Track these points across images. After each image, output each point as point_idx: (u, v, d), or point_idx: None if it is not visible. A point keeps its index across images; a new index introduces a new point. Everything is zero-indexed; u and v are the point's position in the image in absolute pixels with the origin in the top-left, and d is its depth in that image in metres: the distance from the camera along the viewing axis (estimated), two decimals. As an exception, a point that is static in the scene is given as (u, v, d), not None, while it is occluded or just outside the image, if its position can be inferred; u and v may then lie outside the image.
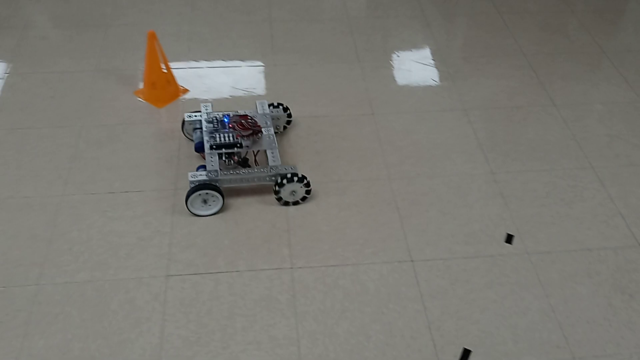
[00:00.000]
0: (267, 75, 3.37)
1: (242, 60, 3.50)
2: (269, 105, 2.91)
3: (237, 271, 2.39)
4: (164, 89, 3.16)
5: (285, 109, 2.95)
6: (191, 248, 2.47)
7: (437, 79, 3.41)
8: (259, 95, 3.23)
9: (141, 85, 3.27)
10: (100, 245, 2.47)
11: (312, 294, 2.32)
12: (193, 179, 2.53)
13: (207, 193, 2.53)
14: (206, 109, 2.83)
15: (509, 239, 2.55)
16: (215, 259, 2.43)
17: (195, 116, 2.83)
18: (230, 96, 3.23)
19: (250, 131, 2.66)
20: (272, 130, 2.75)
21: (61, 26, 3.72)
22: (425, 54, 3.61)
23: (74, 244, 2.47)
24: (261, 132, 2.70)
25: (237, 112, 2.81)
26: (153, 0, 3.98)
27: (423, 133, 3.04)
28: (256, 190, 2.70)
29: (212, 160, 2.61)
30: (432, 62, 3.54)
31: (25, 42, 3.57)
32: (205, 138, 2.67)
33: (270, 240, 2.51)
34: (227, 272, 2.39)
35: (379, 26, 3.82)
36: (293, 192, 2.58)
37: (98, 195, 2.66)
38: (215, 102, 3.18)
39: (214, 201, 2.57)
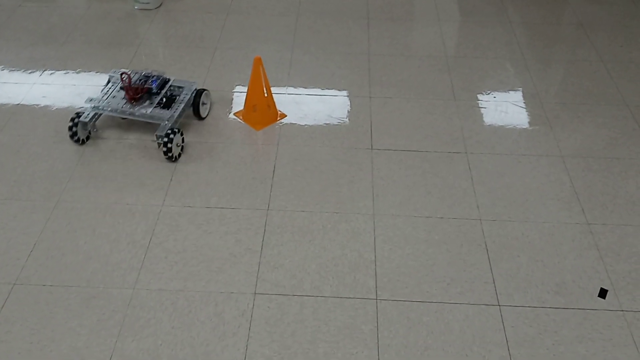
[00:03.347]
0: (362, 107, 3.43)
1: (338, 90, 3.58)
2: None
3: (322, 297, 2.42)
4: (264, 113, 3.27)
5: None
6: (279, 269, 2.53)
7: (534, 123, 3.36)
8: (344, 125, 3.29)
9: (242, 107, 3.40)
10: (194, 256, 2.57)
11: (395, 328, 2.31)
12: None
13: None
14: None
15: (603, 293, 2.46)
16: (301, 282, 2.48)
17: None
18: (325, 124, 3.30)
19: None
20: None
21: (172, 46, 3.93)
22: (523, 97, 3.57)
23: (170, 253, 2.59)
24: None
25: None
26: (259, 27, 4.15)
27: (517, 176, 3.00)
28: (348, 219, 2.75)
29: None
30: (530, 105, 3.50)
31: (138, 58, 3.80)
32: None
33: (357, 269, 2.53)
34: (312, 296, 2.43)
35: (477, 66, 3.81)
36: None
37: (195, 209, 2.78)
38: (309, 129, 3.26)
39: None
